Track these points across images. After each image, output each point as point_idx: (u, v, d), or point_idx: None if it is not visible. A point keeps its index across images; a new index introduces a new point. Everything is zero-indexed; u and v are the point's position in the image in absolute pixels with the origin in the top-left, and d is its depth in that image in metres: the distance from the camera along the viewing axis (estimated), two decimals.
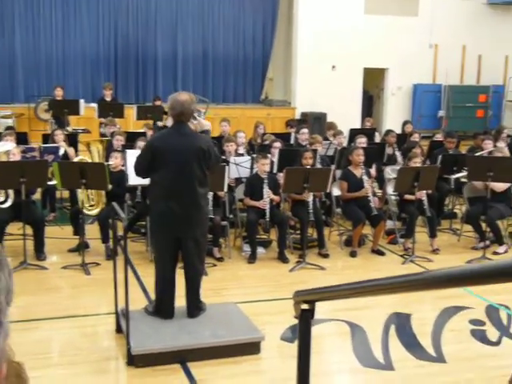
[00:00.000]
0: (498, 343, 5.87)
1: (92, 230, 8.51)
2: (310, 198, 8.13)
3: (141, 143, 8.23)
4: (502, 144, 11.08)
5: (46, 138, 10.28)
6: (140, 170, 5.82)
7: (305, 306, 2.42)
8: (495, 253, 8.55)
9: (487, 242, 8.58)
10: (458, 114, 18.33)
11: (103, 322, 6.18)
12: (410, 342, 5.82)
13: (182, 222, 5.58)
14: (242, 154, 9.66)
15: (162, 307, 5.81)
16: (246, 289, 7.21)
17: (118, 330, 5.75)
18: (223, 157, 9.01)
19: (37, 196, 9.41)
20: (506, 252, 8.60)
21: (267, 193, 8.21)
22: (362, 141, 9.87)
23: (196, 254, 5.73)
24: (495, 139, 11.28)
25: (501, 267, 1.51)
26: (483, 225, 8.63)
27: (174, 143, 5.57)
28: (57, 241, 8.46)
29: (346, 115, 16.34)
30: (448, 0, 18.30)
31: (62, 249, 8.22)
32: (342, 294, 2.37)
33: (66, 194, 10.19)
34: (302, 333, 2.47)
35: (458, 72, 18.97)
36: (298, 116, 17.07)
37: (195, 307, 5.86)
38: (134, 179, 7.65)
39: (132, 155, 7.11)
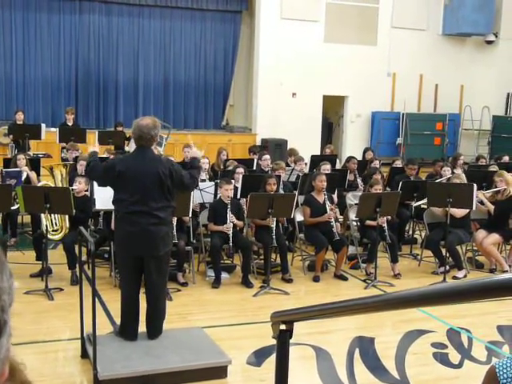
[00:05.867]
0: (459, 366, 5.98)
1: (54, 255, 8.45)
2: (273, 223, 8.20)
3: None
4: (458, 170, 11.35)
5: (7, 163, 10.18)
6: (94, 178, 6.28)
7: (283, 327, 2.46)
8: (455, 277, 8.70)
9: (447, 267, 8.73)
10: (416, 142, 18.65)
11: (67, 348, 6.14)
12: (375, 365, 5.89)
13: (143, 241, 5.63)
14: (203, 180, 9.68)
15: (125, 328, 5.83)
16: (211, 313, 7.22)
17: (84, 355, 5.71)
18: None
19: None
20: (465, 276, 8.77)
21: (230, 218, 8.25)
22: (326, 167, 9.98)
23: (157, 274, 5.75)
24: (452, 166, 11.55)
25: (448, 289, 1.60)
26: (443, 250, 8.78)
27: (135, 168, 5.65)
28: (18, 266, 8.34)
29: (306, 142, 16.50)
30: (405, 31, 18.70)
31: (23, 274, 8.10)
32: (319, 313, 2.42)
33: (26, 218, 10.08)
34: (279, 353, 2.51)
35: (416, 100, 19.35)
36: (258, 142, 17.19)
37: (156, 328, 5.86)
38: (100, 204, 7.66)
39: None
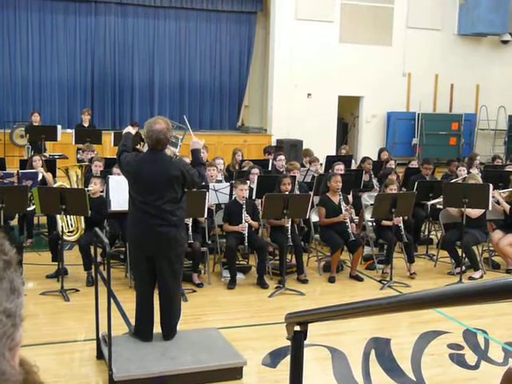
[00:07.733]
0: (476, 367, 5.93)
1: (70, 256, 8.48)
2: (288, 223, 8.19)
3: (117, 170, 8.08)
4: (475, 171, 11.27)
5: (23, 164, 10.23)
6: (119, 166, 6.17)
7: (297, 328, 2.45)
8: (471, 278, 8.65)
9: (463, 268, 8.67)
10: (432, 142, 18.58)
11: (82, 349, 6.15)
12: (390, 367, 5.86)
13: (153, 241, 5.64)
14: (220, 181, 9.70)
15: (140, 328, 5.84)
16: (226, 314, 7.22)
17: (99, 356, 5.72)
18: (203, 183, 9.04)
19: (14, 222, 9.36)
20: (481, 277, 8.70)
21: (246, 218, 8.25)
22: (340, 168, 9.97)
23: (169, 275, 5.74)
24: (468, 166, 11.48)
25: (464, 290, 1.59)
26: (459, 250, 8.73)
27: (147, 169, 5.64)
28: (34, 267, 8.40)
29: (322, 142, 16.49)
30: (420, 30, 18.64)
31: (39, 275, 8.14)
32: (333, 315, 2.41)
33: (42, 219, 10.13)
34: (294, 354, 2.50)
35: (431, 100, 19.28)
36: (273, 143, 17.19)
37: (170, 329, 5.86)
38: (116, 205, 7.67)
39: (114, 180, 7.11)
